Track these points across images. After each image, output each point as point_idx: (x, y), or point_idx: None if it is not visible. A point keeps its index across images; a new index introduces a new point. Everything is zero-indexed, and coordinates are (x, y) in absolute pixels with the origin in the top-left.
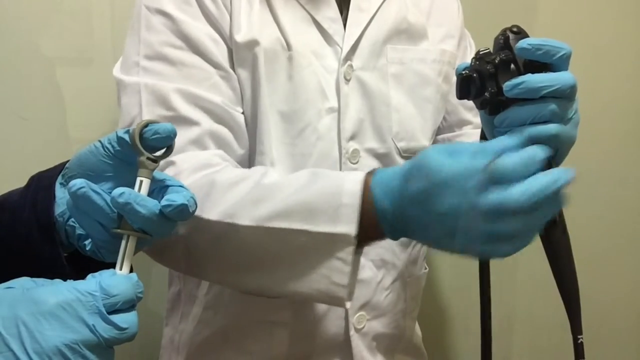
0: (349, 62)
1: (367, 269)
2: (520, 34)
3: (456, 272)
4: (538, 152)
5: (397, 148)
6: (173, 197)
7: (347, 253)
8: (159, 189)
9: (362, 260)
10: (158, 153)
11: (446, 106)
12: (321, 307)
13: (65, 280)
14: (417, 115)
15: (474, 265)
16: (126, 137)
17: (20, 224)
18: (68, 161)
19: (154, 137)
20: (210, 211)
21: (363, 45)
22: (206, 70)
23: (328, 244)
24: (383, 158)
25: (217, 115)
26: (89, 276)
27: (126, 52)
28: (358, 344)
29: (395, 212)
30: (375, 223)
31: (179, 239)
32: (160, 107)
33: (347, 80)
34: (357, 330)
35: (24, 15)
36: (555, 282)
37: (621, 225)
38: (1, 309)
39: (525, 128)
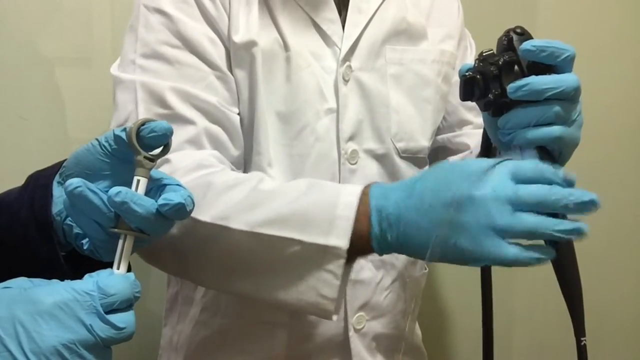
0: (347, 63)
1: (367, 270)
2: (524, 35)
3: (456, 272)
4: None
5: (396, 148)
6: (170, 196)
7: (338, 266)
8: (156, 187)
9: (362, 260)
10: (155, 152)
11: (446, 106)
12: None
13: (63, 279)
14: (417, 115)
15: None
16: (123, 135)
17: (18, 224)
18: (65, 160)
19: (150, 135)
20: (204, 213)
21: (362, 46)
22: (202, 70)
23: (319, 255)
24: (382, 159)
25: (212, 115)
26: (86, 276)
27: (124, 50)
28: (357, 345)
29: (395, 223)
30: (366, 237)
31: (171, 240)
32: (156, 105)
33: (346, 81)
34: (357, 331)
35: (24, 15)
36: (558, 284)
37: (621, 226)
38: None
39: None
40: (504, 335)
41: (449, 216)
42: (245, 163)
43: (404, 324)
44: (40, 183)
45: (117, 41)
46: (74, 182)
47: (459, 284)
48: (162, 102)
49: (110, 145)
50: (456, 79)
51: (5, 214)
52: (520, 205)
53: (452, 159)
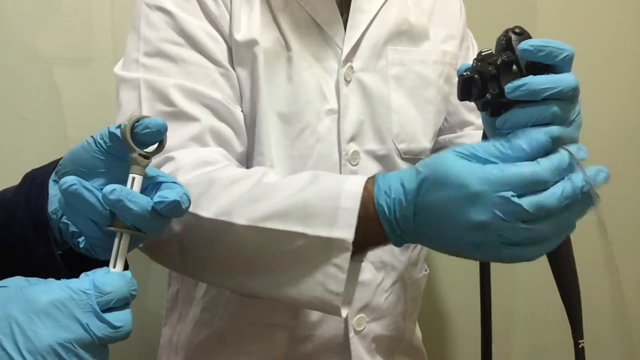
0: (349, 64)
1: (367, 271)
2: (523, 34)
3: (456, 273)
4: (565, 157)
5: (398, 150)
6: (165, 194)
7: (344, 259)
8: (152, 185)
9: (362, 262)
10: (150, 149)
11: (447, 107)
12: None
13: (59, 278)
14: (418, 116)
15: (474, 266)
16: (117, 132)
17: (14, 222)
18: (61, 158)
19: (144, 132)
20: (207, 208)
21: (363, 46)
22: (206, 67)
23: (324, 248)
24: (383, 160)
25: (217, 111)
26: (83, 275)
27: (127, 49)
28: (357, 346)
29: (404, 219)
30: (377, 228)
31: (173, 236)
32: (160, 102)
33: (347, 82)
34: (357, 333)
35: (23, 15)
36: (556, 285)
37: (622, 227)
38: None
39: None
40: (503, 336)
41: (462, 213)
42: (248, 162)
43: (404, 325)
44: (36, 181)
45: (117, 41)
46: (69, 180)
47: (458, 285)
48: (166, 100)
49: (105, 142)
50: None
51: (1, 213)
52: (529, 216)
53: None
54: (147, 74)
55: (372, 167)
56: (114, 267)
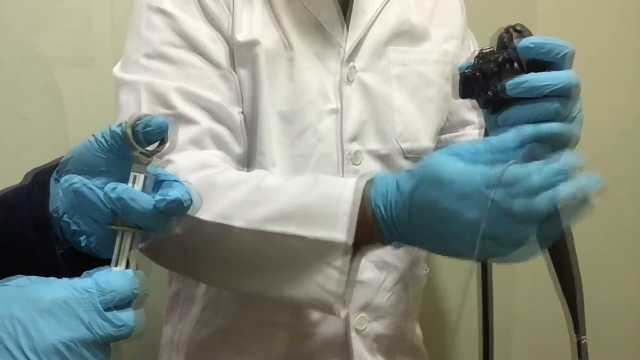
0: (351, 64)
1: (369, 271)
2: (523, 32)
3: (457, 272)
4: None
5: (401, 149)
6: (167, 192)
7: (343, 261)
8: (154, 183)
9: (363, 261)
10: (151, 147)
11: (449, 106)
12: None
13: (60, 277)
14: (420, 116)
15: (474, 265)
16: (119, 131)
17: (16, 221)
18: (63, 157)
19: (145, 130)
20: (206, 212)
21: (365, 46)
22: (205, 69)
23: (323, 251)
24: (385, 159)
25: (215, 114)
26: (85, 273)
27: (126, 50)
28: (358, 346)
29: (400, 221)
30: (374, 230)
31: (175, 239)
32: (160, 105)
33: (350, 82)
34: (358, 332)
35: (24, 15)
36: (558, 282)
37: (621, 226)
38: None
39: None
40: (504, 336)
41: (448, 230)
42: (249, 163)
43: (405, 324)
44: (37, 180)
45: (117, 41)
46: (70, 178)
47: (459, 284)
48: (165, 103)
49: (106, 141)
50: None
51: (3, 212)
52: (517, 220)
53: None
54: (148, 77)
55: (374, 167)
56: (116, 265)
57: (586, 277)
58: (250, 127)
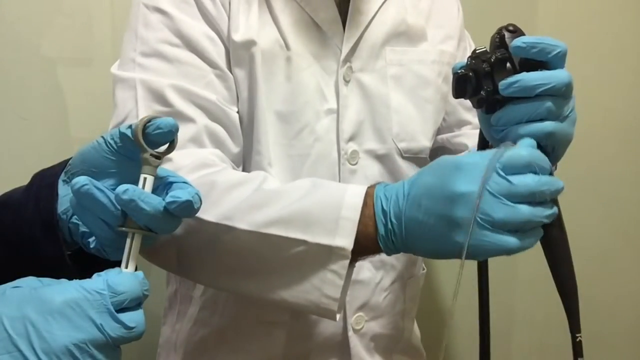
0: (348, 64)
1: (366, 270)
2: (516, 32)
3: (455, 272)
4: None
5: (398, 149)
6: (178, 194)
7: (342, 267)
8: (162, 185)
9: (361, 261)
10: (161, 149)
11: (446, 106)
12: None
13: (69, 279)
14: (418, 116)
15: (472, 264)
16: (128, 133)
17: (24, 223)
18: (71, 158)
19: (156, 132)
20: (208, 212)
21: (362, 47)
22: (202, 68)
23: (323, 255)
24: (383, 159)
25: (211, 112)
26: (95, 275)
27: (123, 49)
28: (356, 345)
29: (399, 223)
30: (373, 238)
31: (172, 239)
32: (156, 102)
33: (347, 82)
34: (356, 331)
35: (25, 15)
36: (553, 280)
37: (621, 225)
38: (8, 308)
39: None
40: (503, 335)
41: (445, 214)
42: (245, 162)
43: (403, 324)
44: (45, 182)
45: (117, 41)
46: (80, 180)
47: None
48: (162, 100)
49: (115, 143)
50: None
51: (11, 213)
52: (514, 197)
53: None
54: (144, 74)
55: (371, 166)
56: (126, 267)
57: (586, 276)
58: (247, 127)
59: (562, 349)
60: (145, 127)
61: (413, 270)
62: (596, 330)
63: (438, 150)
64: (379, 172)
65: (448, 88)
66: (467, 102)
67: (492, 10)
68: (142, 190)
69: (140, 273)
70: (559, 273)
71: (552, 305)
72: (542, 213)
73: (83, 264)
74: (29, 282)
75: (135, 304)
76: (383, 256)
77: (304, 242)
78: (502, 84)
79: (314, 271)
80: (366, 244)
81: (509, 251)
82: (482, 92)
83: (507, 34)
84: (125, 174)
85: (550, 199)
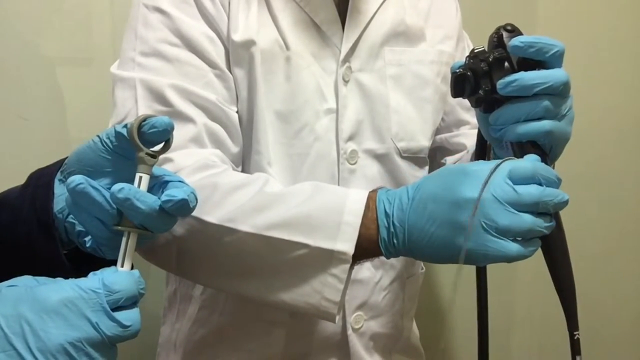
0: (347, 64)
1: (365, 269)
2: (514, 32)
3: (454, 271)
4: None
5: (397, 148)
6: (173, 193)
7: (342, 270)
8: (158, 184)
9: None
10: (156, 148)
11: (444, 106)
12: None
13: (66, 278)
14: (417, 116)
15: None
16: (124, 132)
17: (20, 222)
18: (66, 158)
19: (151, 131)
20: (211, 214)
21: (361, 47)
22: (201, 68)
23: (325, 259)
24: (382, 158)
25: (211, 112)
26: (91, 274)
27: (123, 48)
28: (355, 344)
29: (401, 226)
30: (375, 241)
31: (173, 239)
32: (156, 102)
33: (346, 82)
34: (355, 330)
35: (24, 15)
36: (551, 279)
37: (621, 225)
38: (4, 307)
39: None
40: (503, 335)
41: (451, 218)
42: (244, 162)
43: (402, 323)
44: (41, 181)
45: (117, 41)
46: (76, 179)
47: (456, 283)
48: (162, 99)
49: (111, 142)
50: None
51: (7, 213)
52: (519, 206)
53: (449, 159)
54: (143, 74)
55: (370, 166)
56: (122, 266)
57: (584, 275)
58: (247, 127)
59: (560, 348)
60: (140, 126)
61: (412, 269)
62: (595, 329)
63: (437, 150)
64: (378, 172)
65: (447, 88)
66: (466, 102)
67: (491, 11)
68: (138, 189)
69: (136, 272)
70: (557, 271)
71: (551, 305)
72: (543, 224)
73: (79, 263)
74: (24, 281)
75: (131, 302)
76: (382, 257)
77: (306, 245)
78: (500, 83)
79: (314, 274)
80: (367, 247)
81: (510, 258)
82: (480, 92)
83: (505, 34)
84: (121, 173)
85: (553, 210)
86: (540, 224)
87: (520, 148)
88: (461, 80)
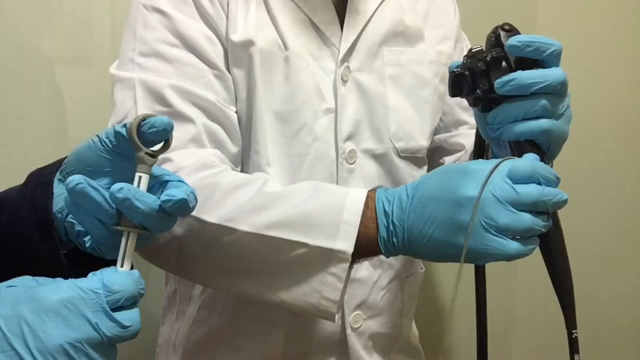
0: (346, 64)
1: (364, 269)
2: (512, 31)
3: (453, 271)
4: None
5: (396, 148)
6: (173, 192)
7: (342, 270)
8: (158, 184)
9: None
10: (156, 147)
11: (443, 107)
12: None
13: (65, 277)
14: (415, 116)
15: (470, 264)
16: (123, 131)
17: (19, 222)
18: (66, 157)
19: (151, 130)
20: (210, 214)
21: (360, 47)
22: (201, 68)
23: (324, 258)
24: (381, 158)
25: (211, 113)
26: (91, 274)
27: (122, 49)
28: (354, 343)
29: (401, 225)
30: (374, 240)
31: (172, 239)
32: (155, 102)
33: (344, 82)
34: (354, 330)
35: (24, 15)
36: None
37: (621, 225)
38: (3, 308)
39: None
40: (503, 335)
41: (452, 217)
42: (243, 162)
43: (401, 323)
44: (40, 181)
45: (117, 41)
46: (75, 178)
47: (455, 283)
48: (161, 100)
49: (110, 141)
50: None
51: (6, 212)
52: (518, 205)
53: (448, 159)
54: (143, 74)
55: (369, 166)
56: (122, 266)
57: (584, 274)
58: (246, 127)
59: (559, 347)
60: (140, 126)
61: (411, 268)
62: (594, 328)
63: (435, 150)
64: (377, 172)
65: (445, 88)
66: (465, 102)
67: (490, 11)
68: (137, 189)
69: (135, 272)
70: (555, 269)
71: (551, 305)
72: (542, 223)
73: (78, 262)
74: (24, 281)
75: (130, 302)
76: (381, 255)
77: (305, 244)
78: (498, 82)
79: (314, 274)
80: (366, 246)
81: (509, 256)
82: (478, 91)
83: (502, 33)
84: (120, 173)
85: (552, 209)
86: (539, 223)
87: (518, 147)
88: (459, 80)
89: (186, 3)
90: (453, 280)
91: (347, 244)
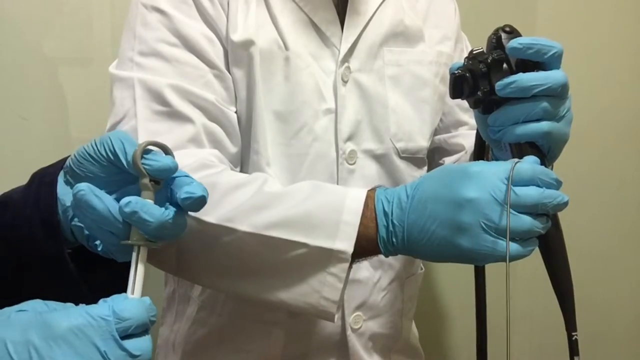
0: (346, 64)
1: (364, 269)
2: (513, 33)
3: (453, 271)
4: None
5: (396, 148)
6: (192, 189)
7: (341, 270)
8: (166, 182)
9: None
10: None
11: (443, 107)
12: None
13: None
14: (415, 116)
15: (471, 265)
16: (122, 157)
17: (23, 221)
18: (69, 157)
19: (155, 167)
20: (209, 213)
21: (360, 47)
22: (200, 68)
23: (324, 258)
24: (381, 159)
25: (210, 112)
26: (101, 301)
27: (121, 48)
28: (354, 344)
29: (401, 225)
30: (374, 240)
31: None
32: (155, 102)
33: (345, 82)
34: (354, 330)
35: (25, 15)
36: (549, 279)
37: (621, 225)
38: (13, 333)
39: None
40: (503, 335)
41: (452, 218)
42: (243, 162)
43: (401, 323)
44: (45, 181)
45: (117, 41)
46: (80, 186)
47: (455, 283)
48: (160, 99)
49: (109, 159)
50: None
51: (10, 213)
52: (518, 207)
53: (447, 160)
54: (142, 73)
55: (369, 166)
56: (132, 293)
57: (584, 276)
58: (245, 127)
59: (559, 348)
60: (143, 155)
61: (411, 269)
62: (594, 329)
63: (435, 150)
64: (377, 172)
65: (445, 89)
66: (465, 103)
67: (490, 12)
68: (145, 202)
69: (146, 298)
70: (554, 271)
71: (551, 305)
72: (541, 225)
73: (83, 262)
74: (34, 306)
75: (141, 330)
76: (381, 256)
77: (305, 244)
78: (499, 84)
79: (313, 274)
80: (366, 246)
81: (509, 258)
82: (478, 93)
83: (503, 35)
84: (123, 181)
85: (552, 212)
86: (539, 225)
87: (519, 149)
88: (460, 82)
89: (186, 3)
90: (453, 280)
91: (346, 244)
